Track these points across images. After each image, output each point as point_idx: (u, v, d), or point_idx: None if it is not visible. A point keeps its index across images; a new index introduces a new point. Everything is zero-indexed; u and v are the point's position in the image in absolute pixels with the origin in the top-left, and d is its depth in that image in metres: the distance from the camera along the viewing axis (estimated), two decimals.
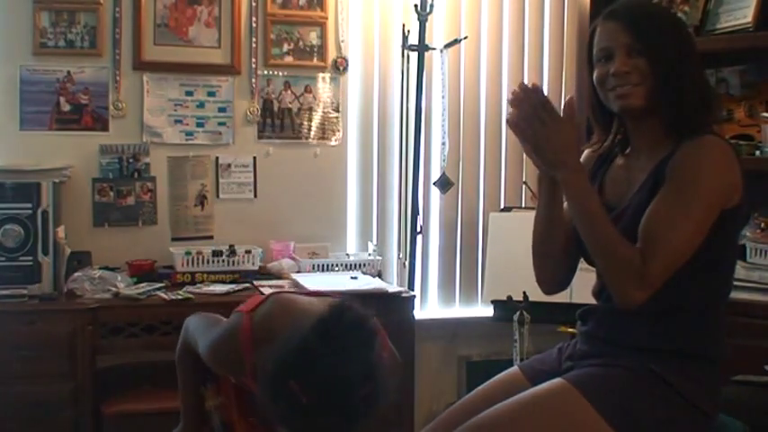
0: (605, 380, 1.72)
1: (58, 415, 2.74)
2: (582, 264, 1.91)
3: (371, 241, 3.51)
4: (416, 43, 3.38)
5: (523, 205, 3.59)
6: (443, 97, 3.50)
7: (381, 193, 3.57)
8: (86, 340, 2.77)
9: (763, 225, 2.95)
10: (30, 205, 2.83)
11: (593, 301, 1.92)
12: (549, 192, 1.82)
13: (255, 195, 3.42)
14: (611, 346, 1.78)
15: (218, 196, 3.38)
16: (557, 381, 1.75)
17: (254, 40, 3.38)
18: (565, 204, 1.80)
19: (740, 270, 2.88)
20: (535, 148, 1.69)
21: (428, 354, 3.54)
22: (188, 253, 3.16)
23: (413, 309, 3.11)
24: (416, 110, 3.42)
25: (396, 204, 3.56)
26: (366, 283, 3.13)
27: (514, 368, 1.99)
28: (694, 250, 1.66)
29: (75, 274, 2.93)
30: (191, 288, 3.04)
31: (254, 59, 3.38)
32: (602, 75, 1.79)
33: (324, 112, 3.47)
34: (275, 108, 3.43)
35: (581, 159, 1.96)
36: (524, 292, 3.06)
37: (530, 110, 1.66)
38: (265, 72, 3.41)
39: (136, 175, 3.29)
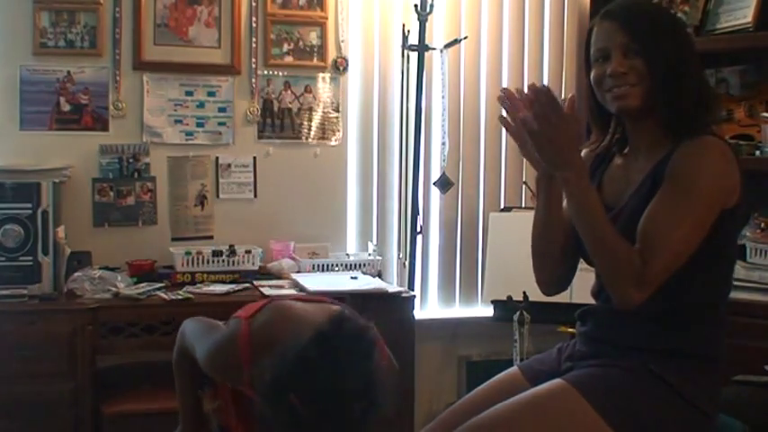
0: (605, 380, 1.72)
1: (58, 415, 2.73)
2: (582, 264, 1.91)
3: (371, 241, 3.51)
4: (416, 43, 3.38)
5: (523, 205, 3.59)
6: (443, 97, 3.50)
7: (381, 193, 3.57)
8: (86, 340, 2.77)
9: (763, 225, 2.95)
10: (30, 205, 2.83)
11: (592, 301, 1.92)
12: (548, 192, 1.82)
13: (255, 195, 3.42)
14: (610, 347, 1.78)
15: (218, 196, 3.38)
16: (557, 381, 1.75)
17: (254, 40, 3.38)
18: (564, 204, 1.80)
19: (740, 270, 2.88)
20: (539, 147, 1.69)
21: (428, 354, 3.54)
22: (188, 253, 3.16)
23: (413, 309, 3.10)
24: (416, 110, 3.42)
25: (396, 204, 3.56)
26: (366, 283, 3.13)
27: (514, 368, 1.99)
28: (693, 250, 1.66)
29: (75, 274, 2.93)
30: (191, 288, 3.04)
31: (254, 59, 3.38)
32: (599, 75, 1.79)
33: (324, 112, 3.47)
34: (275, 108, 3.43)
35: None
36: (524, 292, 3.06)
37: (539, 110, 1.66)
38: (265, 72, 3.41)
39: (136, 175, 3.29)
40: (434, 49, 3.46)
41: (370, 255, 3.44)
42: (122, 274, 3.05)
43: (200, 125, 3.35)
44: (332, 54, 3.46)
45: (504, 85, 3.64)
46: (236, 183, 3.40)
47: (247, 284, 3.12)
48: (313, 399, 1.44)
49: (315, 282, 3.05)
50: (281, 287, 3.05)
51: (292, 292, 2.99)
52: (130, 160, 3.28)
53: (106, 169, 3.26)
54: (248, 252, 3.22)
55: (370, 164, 3.55)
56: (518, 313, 3.12)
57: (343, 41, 3.47)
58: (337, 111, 3.49)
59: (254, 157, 3.41)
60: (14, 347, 2.71)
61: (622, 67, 1.74)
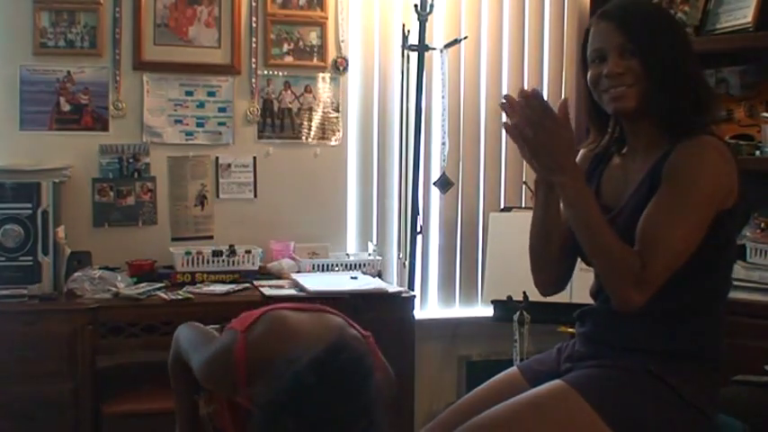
0: (604, 381, 1.72)
1: (58, 415, 2.73)
2: (581, 264, 1.91)
3: (371, 241, 3.51)
4: (416, 43, 3.38)
5: (523, 205, 3.59)
6: (443, 97, 3.50)
7: (381, 193, 3.57)
8: (86, 340, 2.77)
9: (763, 225, 2.95)
10: (30, 205, 2.83)
11: (592, 301, 1.92)
12: (546, 194, 1.82)
13: (255, 195, 3.42)
14: (609, 348, 1.78)
15: (218, 196, 3.39)
16: (556, 382, 1.75)
17: (254, 40, 3.38)
18: (561, 206, 1.80)
19: (740, 270, 2.88)
20: (533, 153, 1.69)
21: (428, 354, 3.54)
22: (188, 253, 3.16)
23: (413, 309, 3.10)
24: (416, 110, 3.42)
25: (396, 204, 3.56)
26: (366, 283, 3.13)
27: (513, 369, 1.99)
28: (692, 251, 1.66)
29: (75, 274, 2.93)
30: (191, 288, 3.04)
31: (254, 59, 3.38)
32: (596, 76, 1.78)
33: (324, 112, 3.47)
34: (275, 108, 3.43)
35: (577, 160, 1.97)
36: (524, 292, 3.06)
37: (531, 115, 1.66)
38: (265, 72, 3.41)
39: (136, 175, 3.29)
40: (434, 49, 3.46)
41: (370, 255, 3.44)
42: (122, 274, 3.05)
43: (200, 125, 3.35)
44: (332, 54, 3.46)
45: (504, 85, 3.65)
46: (236, 183, 3.40)
47: (247, 284, 3.12)
48: (308, 424, 1.45)
49: (315, 282, 3.05)
50: (281, 287, 3.05)
51: (292, 291, 2.99)
52: (130, 160, 3.28)
53: (106, 169, 3.26)
54: (248, 252, 3.22)
55: (370, 164, 3.55)
56: (518, 313, 3.13)
57: (343, 41, 3.47)
58: (337, 111, 3.49)
59: (254, 157, 3.41)
60: (14, 347, 2.71)
61: (619, 67, 1.74)
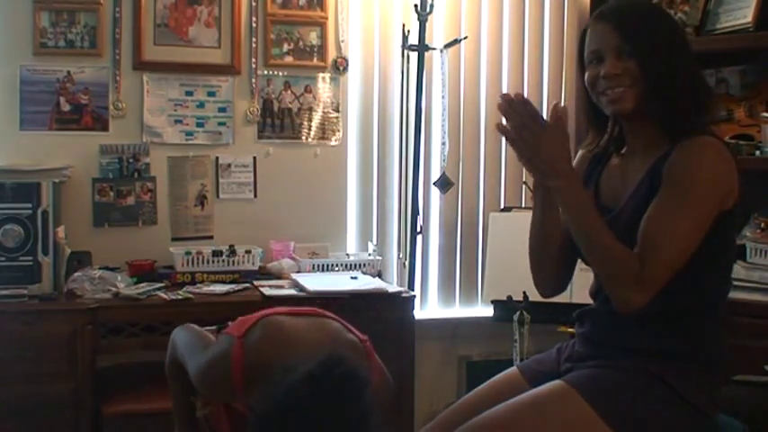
0: (604, 381, 1.72)
1: (58, 415, 2.74)
2: (581, 264, 1.91)
3: (371, 241, 3.51)
4: (416, 43, 3.38)
5: (523, 205, 3.59)
6: (443, 97, 3.50)
7: (381, 193, 3.56)
8: (86, 340, 2.77)
9: (763, 225, 2.95)
10: (30, 205, 2.83)
11: (592, 301, 1.92)
12: (544, 197, 1.82)
13: (255, 195, 3.42)
14: (609, 349, 1.78)
15: (218, 196, 3.38)
16: (556, 382, 1.75)
17: (254, 40, 3.38)
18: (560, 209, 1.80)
19: (740, 270, 2.88)
20: (527, 158, 1.69)
21: (428, 354, 3.54)
22: (188, 253, 3.16)
23: (413, 309, 3.10)
24: (416, 110, 3.42)
25: (396, 204, 3.56)
26: (366, 283, 3.13)
27: (513, 369, 1.99)
28: (692, 252, 1.66)
29: (75, 274, 2.93)
30: (191, 288, 3.04)
31: (254, 59, 3.38)
32: (593, 77, 1.78)
33: (324, 112, 3.47)
34: (275, 108, 3.43)
35: (575, 160, 1.96)
36: (524, 292, 3.06)
37: (517, 120, 1.66)
38: (265, 72, 3.41)
39: (136, 175, 3.29)
40: (434, 49, 3.46)
41: (370, 255, 3.44)
42: (122, 274, 3.05)
43: (200, 125, 3.35)
44: (332, 54, 3.46)
45: (505, 85, 3.65)
46: (236, 183, 3.40)
47: (247, 284, 3.12)
48: None
49: (315, 282, 3.05)
50: (281, 287, 3.05)
51: (292, 292, 2.99)
52: (130, 160, 3.28)
53: (106, 169, 3.26)
54: (248, 252, 3.22)
55: (370, 164, 3.55)
56: (518, 313, 3.13)
57: (343, 41, 3.47)
58: (337, 111, 3.49)
59: (254, 157, 3.41)
60: (14, 347, 2.71)
61: (616, 68, 1.73)
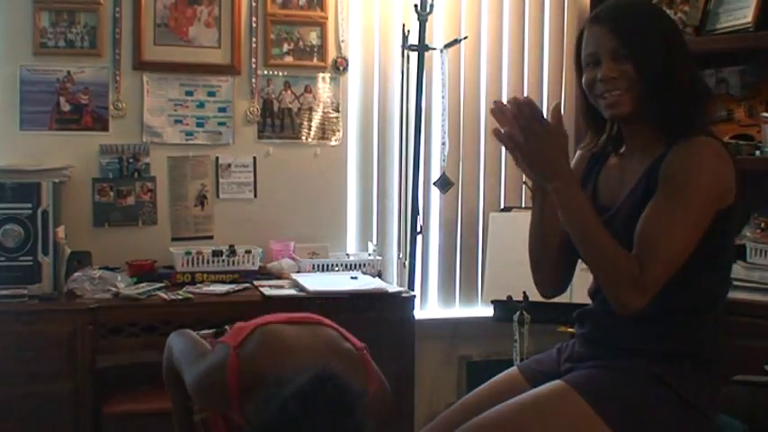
0: (604, 381, 1.72)
1: (58, 415, 2.74)
2: (581, 264, 1.91)
3: (371, 241, 3.51)
4: (416, 43, 3.38)
5: (523, 205, 3.59)
6: (443, 97, 3.50)
7: (381, 193, 3.56)
8: (86, 340, 2.77)
9: (763, 225, 2.95)
10: (30, 205, 2.83)
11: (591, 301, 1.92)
12: (542, 199, 1.82)
13: (255, 195, 3.42)
14: (609, 349, 1.78)
15: (218, 196, 3.39)
16: (556, 382, 1.75)
17: (254, 40, 3.38)
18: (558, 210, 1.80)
19: (740, 270, 2.88)
20: (526, 159, 1.69)
21: (428, 354, 3.54)
22: (188, 253, 3.16)
23: (413, 309, 3.10)
24: (416, 110, 3.42)
25: (396, 204, 3.56)
26: (366, 283, 3.13)
27: (513, 369, 1.99)
28: (690, 253, 1.66)
29: (75, 274, 2.93)
30: (191, 288, 3.04)
31: (254, 59, 3.38)
32: (590, 80, 1.78)
33: (324, 112, 3.47)
34: (275, 108, 3.43)
35: (574, 160, 1.97)
36: (524, 292, 3.06)
37: (523, 123, 1.66)
38: (265, 72, 3.41)
39: (136, 175, 3.29)
40: (434, 49, 3.46)
41: (370, 255, 3.44)
42: (122, 274, 3.05)
43: (200, 125, 3.35)
44: (332, 54, 3.46)
45: (504, 85, 3.65)
46: (236, 183, 3.40)
47: (247, 284, 3.12)
48: None
49: (315, 282, 3.05)
50: (281, 287, 3.05)
51: (292, 292, 2.99)
52: (130, 160, 3.28)
53: (106, 169, 3.26)
54: (248, 252, 3.22)
55: (370, 164, 3.55)
56: (518, 313, 3.12)
57: (343, 41, 3.47)
58: (337, 111, 3.49)
59: (254, 157, 3.41)
60: (14, 347, 2.71)
61: (612, 72, 1.73)
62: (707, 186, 1.66)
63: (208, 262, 3.17)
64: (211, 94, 3.36)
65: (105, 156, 3.25)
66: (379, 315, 2.96)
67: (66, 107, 3.21)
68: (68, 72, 3.20)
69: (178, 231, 3.34)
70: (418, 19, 3.34)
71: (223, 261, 3.18)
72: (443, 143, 3.51)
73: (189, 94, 3.33)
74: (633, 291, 1.63)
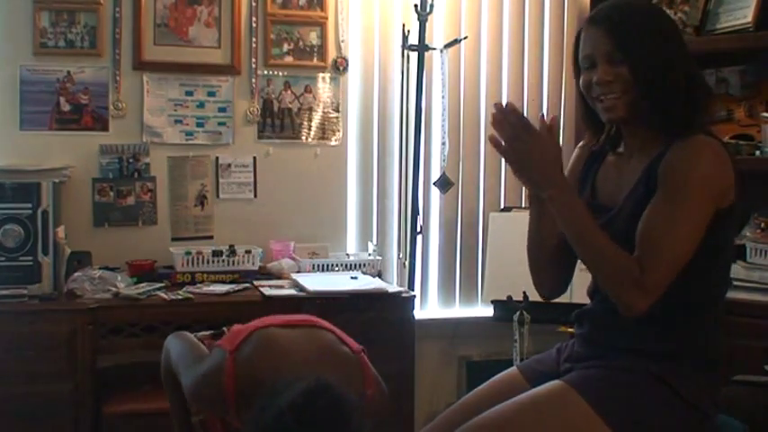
0: (604, 381, 1.72)
1: (58, 415, 2.73)
2: (581, 264, 1.91)
3: (371, 241, 3.51)
4: (416, 43, 3.38)
5: (523, 205, 3.58)
6: (443, 97, 3.50)
7: (381, 193, 3.56)
8: (86, 340, 2.77)
9: (763, 225, 2.95)
10: (30, 205, 2.83)
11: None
12: (540, 206, 1.82)
13: (255, 195, 3.42)
14: (608, 349, 1.78)
15: (218, 196, 3.39)
16: (556, 383, 1.75)
17: (254, 40, 3.38)
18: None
19: (740, 270, 2.88)
20: (519, 169, 1.70)
21: (428, 354, 3.54)
22: (188, 253, 3.16)
23: (413, 309, 3.10)
24: (416, 110, 3.42)
25: (396, 204, 3.56)
26: (366, 283, 3.13)
27: (513, 369, 1.99)
28: (692, 252, 1.66)
29: (75, 274, 2.93)
30: (191, 288, 3.04)
31: (254, 59, 3.38)
32: (587, 81, 1.78)
33: (324, 112, 3.47)
34: (275, 108, 3.43)
35: (572, 157, 1.98)
36: (524, 292, 3.06)
37: (510, 131, 1.66)
38: (265, 72, 3.41)
39: (136, 175, 3.29)
40: (434, 49, 3.46)
41: (370, 255, 3.44)
42: (122, 274, 3.05)
43: (200, 125, 3.35)
44: (332, 54, 3.46)
45: (504, 85, 3.65)
46: (236, 183, 3.40)
47: (247, 284, 3.11)
48: None
49: (315, 282, 3.05)
50: (281, 287, 3.05)
51: (292, 292, 2.99)
52: (130, 160, 3.28)
53: (106, 169, 3.26)
54: (248, 252, 3.22)
55: (370, 164, 3.55)
56: (518, 313, 3.12)
57: (343, 41, 3.47)
58: (337, 111, 3.49)
59: (254, 157, 3.41)
60: (14, 347, 2.71)
61: (608, 75, 1.73)
62: (706, 186, 1.66)
63: (208, 262, 3.17)
64: (211, 94, 3.36)
65: (105, 156, 3.25)
66: (379, 315, 2.96)
67: (66, 107, 3.21)
68: (68, 72, 3.20)
69: (178, 231, 3.34)
70: (418, 19, 3.34)
71: (223, 261, 3.18)
72: (443, 143, 3.51)
73: (189, 94, 3.33)
74: (637, 291, 1.63)
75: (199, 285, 3.08)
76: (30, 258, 2.83)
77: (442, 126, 3.51)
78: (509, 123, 1.66)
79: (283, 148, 3.45)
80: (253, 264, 3.22)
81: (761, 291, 2.87)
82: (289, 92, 3.44)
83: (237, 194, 3.40)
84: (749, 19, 3.00)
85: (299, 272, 3.25)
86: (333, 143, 3.49)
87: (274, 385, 1.57)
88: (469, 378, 3.60)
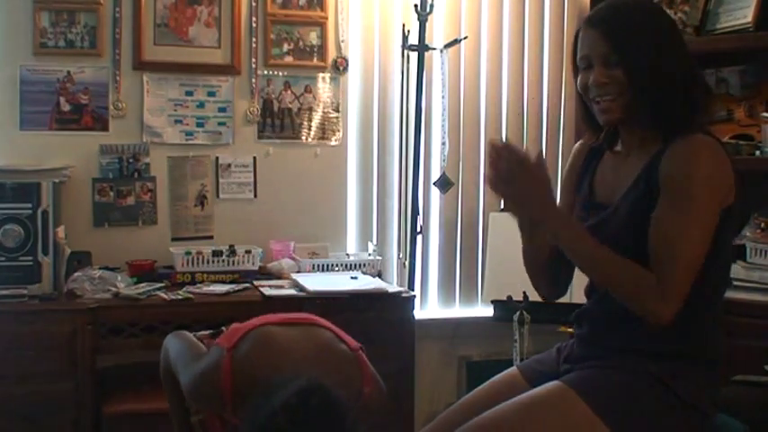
0: (603, 382, 1.72)
1: (57, 415, 2.74)
2: None
3: (371, 241, 3.51)
4: (416, 43, 3.38)
5: None
6: (443, 97, 3.50)
7: (381, 193, 3.56)
8: (86, 340, 2.77)
9: (763, 225, 2.95)
10: (30, 205, 2.83)
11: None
12: (530, 230, 1.84)
13: (255, 195, 3.42)
14: (607, 350, 1.78)
15: (218, 196, 3.39)
16: (555, 383, 1.75)
17: (254, 40, 3.38)
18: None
19: (740, 270, 2.88)
20: (518, 206, 1.70)
21: (428, 354, 3.54)
22: (188, 253, 3.16)
23: (413, 309, 3.10)
24: (416, 110, 3.42)
25: (396, 204, 3.56)
26: (366, 283, 3.13)
27: (513, 369, 1.99)
28: (705, 254, 1.65)
29: (75, 274, 2.93)
30: (191, 288, 3.04)
31: (254, 59, 3.38)
32: (584, 82, 1.78)
33: (324, 112, 3.47)
34: (275, 108, 3.43)
35: (571, 154, 2.00)
36: (524, 292, 3.07)
37: (506, 166, 1.66)
38: (265, 72, 3.41)
39: (136, 175, 3.29)
40: (434, 49, 3.46)
41: (370, 255, 3.44)
42: (122, 274, 3.05)
43: (200, 125, 3.35)
44: (332, 54, 3.46)
45: (504, 85, 3.65)
46: (236, 183, 3.40)
47: (247, 284, 3.11)
48: None
49: (315, 282, 3.05)
50: (281, 287, 3.05)
51: (292, 292, 2.99)
52: (130, 160, 3.28)
53: (106, 169, 3.26)
54: (248, 252, 3.22)
55: (370, 164, 3.55)
56: (518, 313, 3.13)
57: (343, 41, 3.47)
58: (337, 111, 3.49)
59: (254, 157, 3.41)
60: (14, 347, 2.71)
61: (603, 77, 1.73)
62: (709, 187, 1.66)
63: (208, 262, 3.17)
64: (211, 94, 3.36)
65: (105, 156, 3.25)
66: (379, 315, 2.96)
67: (66, 107, 3.21)
68: (68, 72, 3.20)
69: (178, 231, 3.34)
70: (418, 19, 3.34)
71: (223, 261, 3.18)
72: (443, 143, 3.51)
73: (189, 94, 3.33)
74: (660, 303, 1.62)
75: (199, 285, 3.08)
76: (30, 258, 2.83)
77: (442, 126, 3.52)
78: (506, 162, 1.66)
79: (283, 148, 3.45)
80: (253, 264, 3.22)
81: (761, 291, 2.87)
82: (289, 92, 3.44)
83: (237, 194, 3.40)
84: (749, 19, 3.00)
85: (299, 272, 3.25)
86: (333, 143, 3.49)
87: (270, 383, 1.57)
88: (469, 378, 3.60)
